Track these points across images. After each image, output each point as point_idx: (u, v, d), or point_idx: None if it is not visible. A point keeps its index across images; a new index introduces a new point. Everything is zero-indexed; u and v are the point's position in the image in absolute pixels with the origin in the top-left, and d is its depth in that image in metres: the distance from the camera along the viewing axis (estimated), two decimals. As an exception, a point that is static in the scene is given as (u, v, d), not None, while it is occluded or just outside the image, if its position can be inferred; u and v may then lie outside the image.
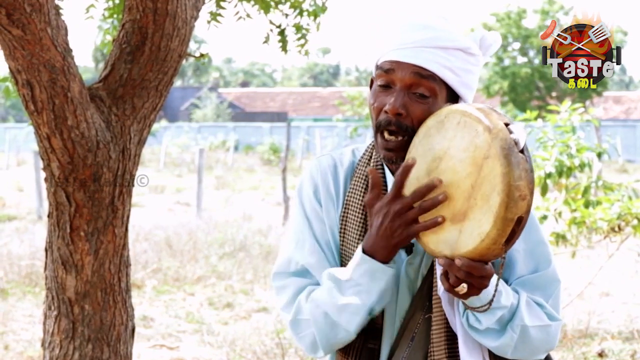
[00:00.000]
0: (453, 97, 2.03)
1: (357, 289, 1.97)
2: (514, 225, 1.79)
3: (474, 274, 1.84)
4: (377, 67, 2.04)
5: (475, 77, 2.04)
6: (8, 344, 6.53)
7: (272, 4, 3.87)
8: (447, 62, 1.98)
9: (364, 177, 2.11)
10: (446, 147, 1.88)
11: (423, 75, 1.97)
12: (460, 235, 1.84)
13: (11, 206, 16.10)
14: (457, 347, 2.01)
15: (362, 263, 1.96)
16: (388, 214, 1.92)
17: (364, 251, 1.97)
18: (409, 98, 1.98)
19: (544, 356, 2.07)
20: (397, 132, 1.99)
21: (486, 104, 1.88)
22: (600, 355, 6.11)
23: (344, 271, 2.00)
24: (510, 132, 1.81)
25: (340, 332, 2.00)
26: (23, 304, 7.77)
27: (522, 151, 1.80)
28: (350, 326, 1.99)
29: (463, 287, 1.86)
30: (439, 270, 1.97)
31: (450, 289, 1.88)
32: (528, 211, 1.80)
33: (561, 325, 2.06)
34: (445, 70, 1.98)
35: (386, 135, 2.00)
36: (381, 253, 1.95)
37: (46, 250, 3.10)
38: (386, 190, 2.07)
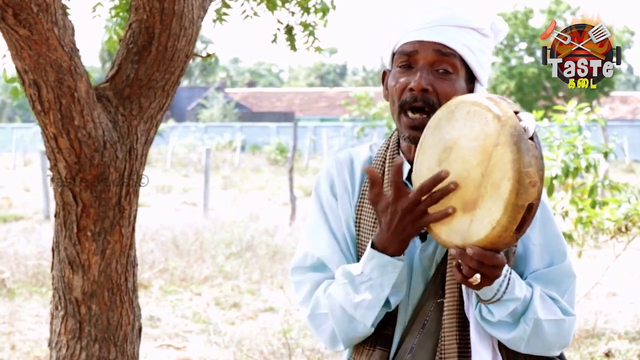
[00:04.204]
0: (470, 77, 2.06)
1: (369, 284, 1.98)
2: (524, 212, 1.78)
3: (485, 262, 1.84)
4: (396, 52, 2.07)
5: (488, 58, 2.09)
6: (15, 344, 6.54)
7: (279, 2, 3.87)
8: (466, 40, 2.03)
9: (380, 168, 2.13)
10: (456, 137, 1.89)
11: (444, 53, 2.02)
12: (471, 224, 1.84)
13: (18, 206, 16.14)
14: (468, 335, 2.01)
15: (371, 257, 1.97)
16: (396, 212, 1.92)
17: (373, 245, 1.98)
18: (433, 75, 2.02)
19: (558, 352, 2.06)
20: (422, 108, 2.01)
21: (496, 94, 1.88)
22: (607, 355, 6.10)
23: (355, 266, 2.01)
24: (520, 120, 1.81)
25: (358, 326, 2.01)
26: (30, 304, 7.79)
27: (531, 138, 1.80)
28: (367, 320, 2.00)
29: (476, 279, 1.86)
30: None
31: (464, 281, 1.89)
32: (539, 198, 1.79)
33: (576, 321, 2.05)
34: (465, 48, 2.03)
35: (410, 114, 2.03)
36: (393, 247, 1.96)
37: (53, 250, 3.10)
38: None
